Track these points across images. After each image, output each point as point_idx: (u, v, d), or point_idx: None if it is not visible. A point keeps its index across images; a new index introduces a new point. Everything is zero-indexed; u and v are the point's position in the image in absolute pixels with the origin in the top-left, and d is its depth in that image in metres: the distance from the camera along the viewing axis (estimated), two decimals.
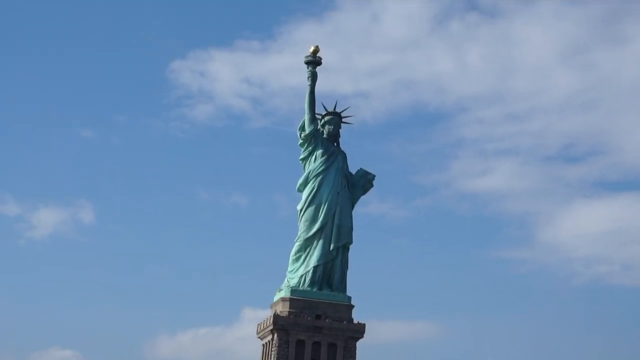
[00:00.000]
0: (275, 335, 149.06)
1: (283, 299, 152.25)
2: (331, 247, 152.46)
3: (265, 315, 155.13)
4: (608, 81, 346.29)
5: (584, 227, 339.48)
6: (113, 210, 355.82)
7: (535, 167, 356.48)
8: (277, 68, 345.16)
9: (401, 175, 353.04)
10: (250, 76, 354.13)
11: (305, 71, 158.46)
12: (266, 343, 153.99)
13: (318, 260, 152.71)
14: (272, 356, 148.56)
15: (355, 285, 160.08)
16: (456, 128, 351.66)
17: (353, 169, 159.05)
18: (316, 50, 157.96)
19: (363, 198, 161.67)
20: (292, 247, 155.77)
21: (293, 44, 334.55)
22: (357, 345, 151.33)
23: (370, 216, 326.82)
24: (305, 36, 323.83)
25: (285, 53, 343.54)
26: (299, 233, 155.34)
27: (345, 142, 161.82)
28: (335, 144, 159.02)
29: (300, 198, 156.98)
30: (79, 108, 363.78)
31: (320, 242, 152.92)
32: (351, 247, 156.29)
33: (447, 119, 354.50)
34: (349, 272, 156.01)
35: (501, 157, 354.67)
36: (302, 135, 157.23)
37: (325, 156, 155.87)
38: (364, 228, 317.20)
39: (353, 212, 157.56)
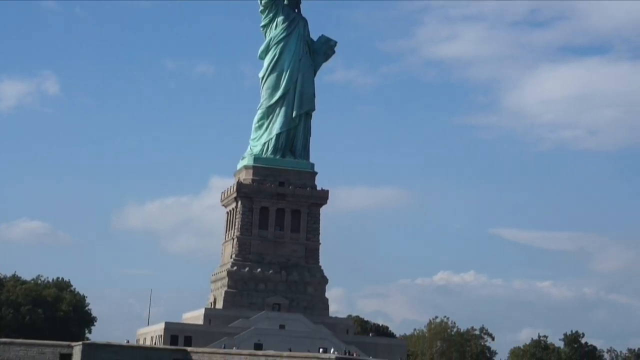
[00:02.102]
0: (239, 203, 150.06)
1: (246, 167, 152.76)
2: (294, 114, 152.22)
3: (232, 183, 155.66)
4: None
5: (549, 92, 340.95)
6: (78, 81, 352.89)
7: (501, 32, 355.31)
8: None
9: (367, 42, 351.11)
10: None
11: None
12: (230, 211, 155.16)
13: (281, 128, 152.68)
14: (237, 223, 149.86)
15: (321, 152, 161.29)
16: None
17: (316, 36, 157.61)
18: None
19: (329, 65, 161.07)
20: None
21: None
22: (321, 212, 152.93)
23: (336, 84, 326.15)
24: None
25: None
26: (261, 101, 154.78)
27: (309, 8, 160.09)
28: (296, 11, 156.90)
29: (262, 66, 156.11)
30: None
31: (283, 109, 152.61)
32: (317, 114, 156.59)
33: None
34: (313, 140, 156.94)
35: (467, 23, 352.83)
36: (263, 1, 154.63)
37: (286, 23, 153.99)
38: (330, 95, 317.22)
39: (317, 79, 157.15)
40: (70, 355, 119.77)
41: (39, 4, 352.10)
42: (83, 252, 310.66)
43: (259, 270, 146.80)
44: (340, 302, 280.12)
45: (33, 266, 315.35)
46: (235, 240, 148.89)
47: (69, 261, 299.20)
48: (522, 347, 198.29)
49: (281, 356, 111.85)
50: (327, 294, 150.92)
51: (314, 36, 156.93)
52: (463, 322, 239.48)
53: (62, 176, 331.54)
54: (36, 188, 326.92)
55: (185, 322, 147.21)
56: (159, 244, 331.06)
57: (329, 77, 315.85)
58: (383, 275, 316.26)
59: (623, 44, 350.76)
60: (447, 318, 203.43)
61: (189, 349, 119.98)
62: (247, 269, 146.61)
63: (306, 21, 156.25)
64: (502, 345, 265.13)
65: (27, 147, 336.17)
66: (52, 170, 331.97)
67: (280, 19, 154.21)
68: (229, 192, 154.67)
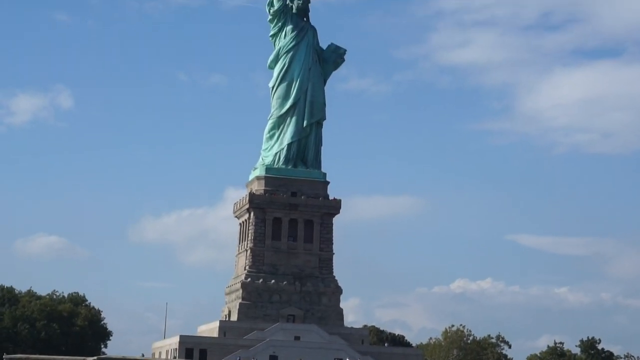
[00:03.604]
0: (252, 214, 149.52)
1: (258, 178, 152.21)
2: (304, 124, 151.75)
3: (245, 194, 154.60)
4: None
5: (563, 96, 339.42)
6: (92, 95, 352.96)
7: (513, 37, 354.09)
8: None
9: (380, 49, 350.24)
10: None
11: None
12: (243, 222, 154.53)
13: (292, 138, 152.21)
14: (250, 234, 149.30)
15: (334, 162, 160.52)
16: (434, 0, 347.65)
17: (327, 44, 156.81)
18: None
19: (342, 74, 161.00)
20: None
21: None
22: (334, 221, 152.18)
23: (350, 92, 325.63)
24: None
25: None
26: (272, 111, 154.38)
27: (321, 16, 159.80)
28: (305, 19, 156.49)
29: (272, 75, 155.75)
30: None
31: (294, 119, 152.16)
32: (330, 124, 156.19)
33: None
34: (325, 149, 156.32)
35: (480, 28, 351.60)
36: (271, 11, 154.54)
37: (295, 32, 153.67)
38: (344, 104, 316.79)
39: (330, 88, 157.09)
40: None
41: (51, 17, 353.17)
42: (99, 266, 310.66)
43: (272, 281, 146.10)
44: (357, 312, 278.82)
45: (49, 281, 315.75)
46: (249, 251, 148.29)
47: (85, 275, 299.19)
48: (538, 355, 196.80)
49: None
50: (343, 304, 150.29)
51: (325, 45, 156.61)
52: (481, 330, 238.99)
53: (78, 190, 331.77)
54: (53, 203, 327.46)
55: (200, 334, 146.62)
56: (175, 257, 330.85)
57: (343, 85, 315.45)
58: (400, 284, 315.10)
59: (636, 46, 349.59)
60: (463, 326, 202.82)
61: None
62: (260, 280, 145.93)
63: (315, 30, 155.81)
64: (519, 352, 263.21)
65: (43, 162, 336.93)
66: (68, 185, 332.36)
67: (289, 28, 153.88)
68: (241, 203, 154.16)
